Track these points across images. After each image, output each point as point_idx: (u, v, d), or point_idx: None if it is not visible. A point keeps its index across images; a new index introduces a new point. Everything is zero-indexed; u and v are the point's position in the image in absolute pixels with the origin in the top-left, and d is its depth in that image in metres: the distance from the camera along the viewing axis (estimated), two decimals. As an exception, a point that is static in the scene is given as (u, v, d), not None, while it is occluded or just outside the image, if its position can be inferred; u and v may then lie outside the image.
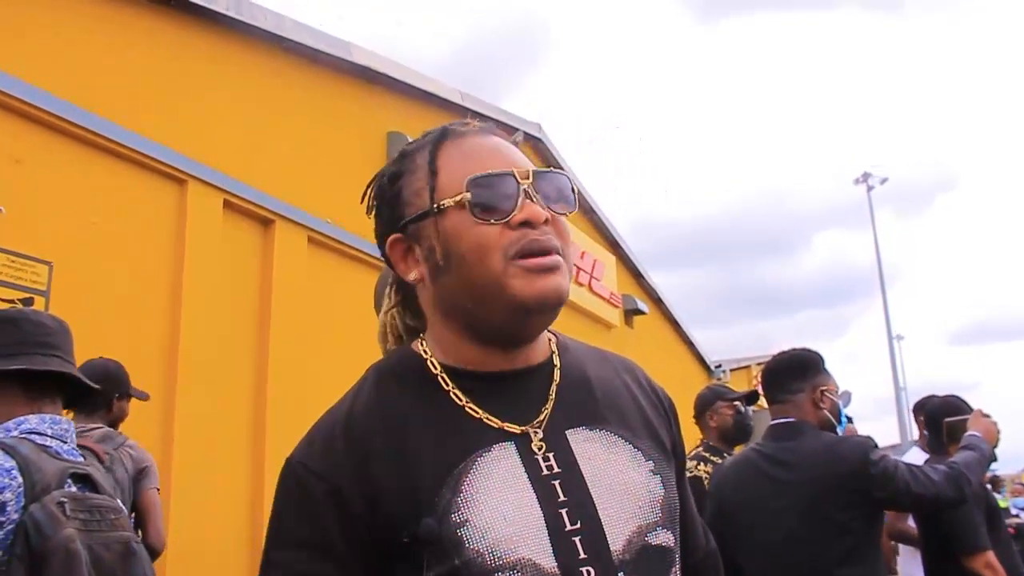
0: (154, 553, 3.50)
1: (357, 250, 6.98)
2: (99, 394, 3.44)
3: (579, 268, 11.33)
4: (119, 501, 3.17)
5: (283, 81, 6.66)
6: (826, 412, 2.84)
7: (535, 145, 10.47)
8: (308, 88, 6.92)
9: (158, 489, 3.58)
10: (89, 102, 4.88)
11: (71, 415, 3.45)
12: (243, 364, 5.86)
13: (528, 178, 1.11)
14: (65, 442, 2.10)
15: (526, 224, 1.09)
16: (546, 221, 1.10)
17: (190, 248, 5.43)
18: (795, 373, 2.91)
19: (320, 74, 7.03)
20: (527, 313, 1.10)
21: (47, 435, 2.06)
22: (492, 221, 1.08)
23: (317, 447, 1.08)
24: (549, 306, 1.10)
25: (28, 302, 3.99)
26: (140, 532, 3.50)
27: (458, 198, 1.09)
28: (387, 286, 2.03)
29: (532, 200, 1.10)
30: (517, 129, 9.64)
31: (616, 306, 12.92)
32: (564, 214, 1.14)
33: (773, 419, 2.93)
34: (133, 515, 3.44)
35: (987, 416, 3.07)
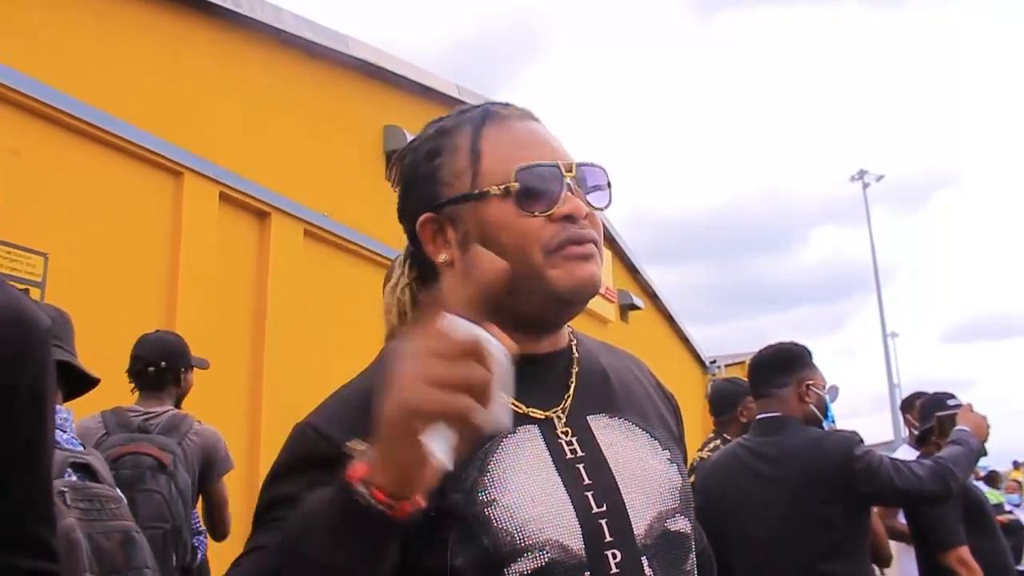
0: (218, 536, 3.56)
1: (353, 243, 6.98)
2: (166, 372, 3.47)
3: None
4: (178, 501, 3.18)
5: (280, 74, 6.65)
6: (811, 406, 2.83)
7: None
8: (305, 81, 6.92)
9: (231, 464, 3.57)
10: (86, 94, 4.88)
11: (136, 396, 3.47)
12: (239, 356, 5.87)
13: (571, 171, 1.11)
14: (64, 431, 2.11)
15: (568, 218, 1.09)
16: (587, 216, 1.11)
17: (186, 240, 5.44)
18: (780, 367, 2.91)
19: (317, 67, 7.02)
20: (564, 303, 1.10)
21: None
22: (536, 213, 1.08)
23: (330, 413, 1.07)
24: (586, 295, 1.10)
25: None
26: (210, 524, 3.55)
27: (505, 187, 1.09)
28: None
29: (573, 193, 1.10)
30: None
31: (611, 301, 12.93)
32: (600, 208, 1.14)
33: (758, 413, 2.94)
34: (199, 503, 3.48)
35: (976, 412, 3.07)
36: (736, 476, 2.85)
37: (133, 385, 3.50)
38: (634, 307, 13.99)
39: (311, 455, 1.03)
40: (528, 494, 1.01)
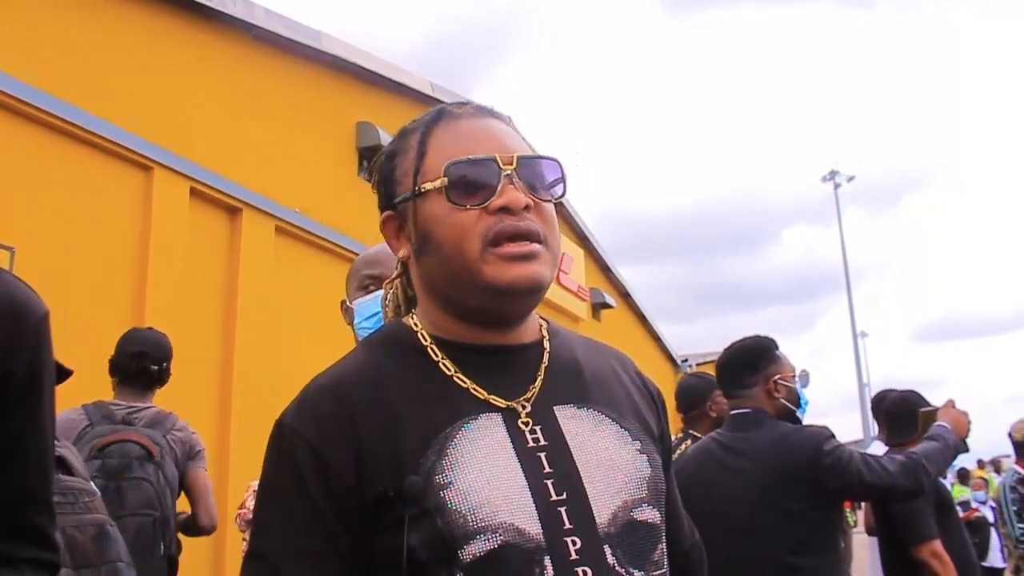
0: (205, 531, 3.39)
1: (325, 240, 6.95)
2: (165, 372, 3.42)
3: (548, 261, 11.36)
4: (166, 490, 3.13)
5: (253, 69, 6.61)
6: (782, 400, 2.85)
7: (505, 138, 10.48)
8: (278, 77, 6.88)
9: (206, 471, 3.44)
10: (55, 87, 4.82)
11: (113, 391, 3.41)
12: (209, 352, 5.83)
13: (512, 163, 1.11)
14: None
15: (505, 210, 1.08)
16: (527, 207, 1.10)
17: (156, 236, 5.39)
18: (747, 366, 2.91)
19: (290, 63, 6.98)
20: (502, 298, 1.10)
21: None
22: (469, 207, 1.09)
23: (308, 412, 1.08)
24: (523, 292, 1.10)
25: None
26: (191, 511, 3.38)
27: (437, 183, 1.10)
28: (355, 276, 2.00)
29: (513, 185, 1.10)
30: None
31: (584, 299, 12.97)
32: (549, 200, 1.14)
33: (731, 410, 2.95)
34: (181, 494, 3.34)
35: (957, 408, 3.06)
36: (708, 469, 2.86)
37: (116, 379, 3.45)
38: (606, 306, 14.05)
39: (298, 462, 1.06)
40: (484, 478, 1.02)
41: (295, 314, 6.45)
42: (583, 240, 13.48)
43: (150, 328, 3.73)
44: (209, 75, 6.13)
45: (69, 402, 3.29)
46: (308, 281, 6.74)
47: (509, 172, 1.10)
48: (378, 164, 1.23)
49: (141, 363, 3.43)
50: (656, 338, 17.91)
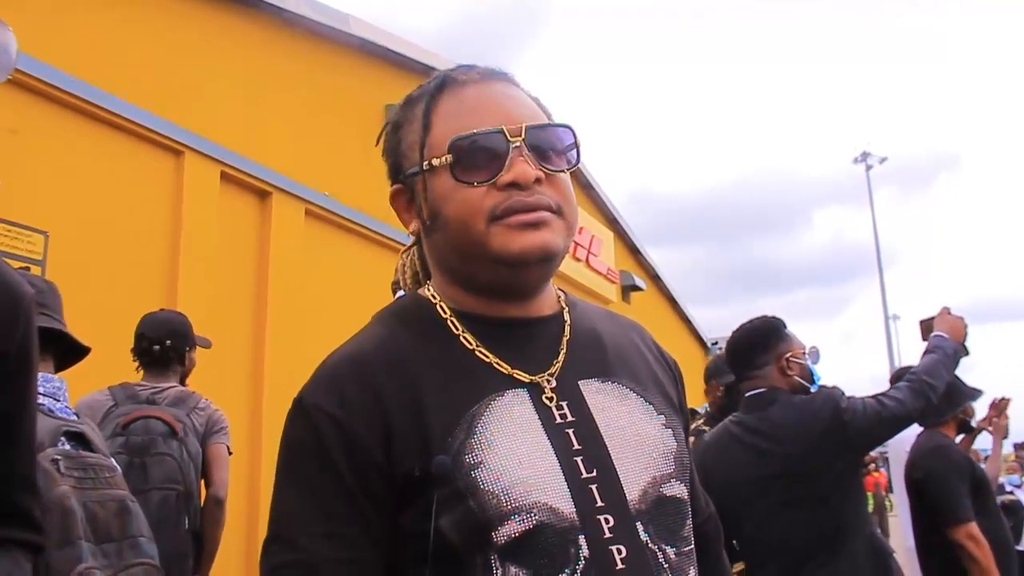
0: (215, 500, 3.39)
1: (354, 223, 6.97)
2: (171, 351, 3.47)
3: (576, 243, 11.32)
4: (189, 465, 3.17)
5: (282, 53, 6.62)
6: (796, 378, 2.84)
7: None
8: (307, 60, 6.88)
9: (228, 447, 3.47)
10: (87, 73, 4.85)
11: (141, 375, 3.46)
12: (240, 336, 5.87)
13: (520, 134, 1.06)
14: (58, 400, 2.09)
15: (514, 185, 1.04)
16: (538, 180, 1.05)
17: (187, 220, 5.42)
18: (756, 347, 2.91)
19: (319, 46, 6.98)
20: (512, 269, 1.06)
21: (39, 393, 2.02)
22: (476, 183, 1.05)
23: (327, 387, 1.05)
24: (533, 260, 1.06)
25: (24, 272, 3.98)
26: (205, 481, 3.40)
27: (442, 159, 1.06)
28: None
29: (523, 158, 1.05)
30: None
31: (613, 282, 12.92)
32: (561, 171, 1.09)
33: (746, 392, 2.94)
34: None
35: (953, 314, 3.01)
36: (732, 452, 2.85)
37: (138, 363, 3.50)
38: (636, 288, 13.98)
39: (322, 438, 1.02)
40: (516, 457, 0.99)
41: (325, 296, 6.47)
42: (612, 222, 13.41)
43: (164, 310, 3.77)
44: (239, 59, 6.15)
45: (101, 384, 3.34)
46: (338, 264, 6.77)
47: (518, 144, 1.05)
48: (385, 134, 1.19)
49: (140, 345, 3.47)
50: (686, 320, 17.82)
